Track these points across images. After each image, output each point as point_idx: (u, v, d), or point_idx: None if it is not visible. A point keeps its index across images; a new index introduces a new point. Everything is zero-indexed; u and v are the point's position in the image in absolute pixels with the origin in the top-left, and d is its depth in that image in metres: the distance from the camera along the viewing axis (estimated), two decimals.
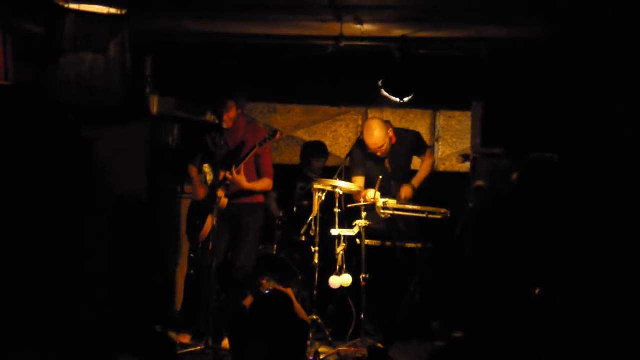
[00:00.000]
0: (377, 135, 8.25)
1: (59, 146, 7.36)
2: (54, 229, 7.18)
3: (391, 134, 8.37)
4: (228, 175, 7.67)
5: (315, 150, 9.42)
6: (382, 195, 8.05)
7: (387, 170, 8.40)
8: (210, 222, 7.80)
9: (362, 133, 8.40)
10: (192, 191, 8.28)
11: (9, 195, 6.92)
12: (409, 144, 8.56)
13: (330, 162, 9.58)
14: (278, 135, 7.80)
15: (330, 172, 8.48)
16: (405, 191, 8.41)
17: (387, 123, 8.46)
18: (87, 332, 7.00)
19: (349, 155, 8.56)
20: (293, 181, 9.33)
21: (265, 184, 8.04)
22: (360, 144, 8.44)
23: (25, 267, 6.96)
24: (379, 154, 8.33)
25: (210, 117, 9.16)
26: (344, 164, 8.48)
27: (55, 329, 6.89)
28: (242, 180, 7.76)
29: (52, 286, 7.08)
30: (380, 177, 7.97)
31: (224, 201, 7.77)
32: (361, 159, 8.46)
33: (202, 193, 8.05)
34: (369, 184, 8.28)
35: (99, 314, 7.36)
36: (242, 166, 7.72)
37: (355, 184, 8.10)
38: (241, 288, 7.92)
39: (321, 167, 9.36)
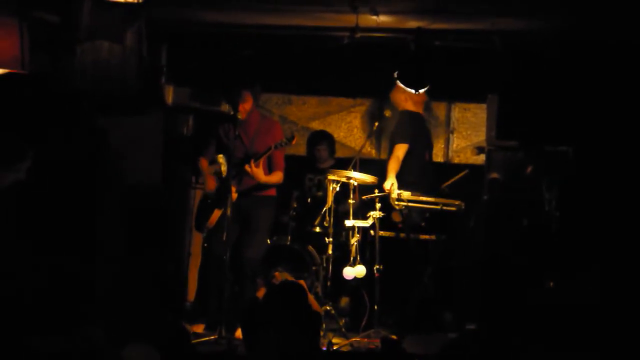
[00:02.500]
0: None
1: (74, 135, 7.37)
2: (68, 217, 7.20)
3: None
4: (247, 168, 7.68)
5: (316, 138, 9.44)
6: (424, 172, 8.19)
7: (431, 140, 8.57)
8: (217, 211, 7.81)
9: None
10: (202, 182, 8.29)
11: (24, 184, 6.94)
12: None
13: (345, 154, 9.57)
14: (295, 141, 7.79)
15: (344, 164, 8.47)
16: None
17: None
18: (101, 321, 7.02)
19: (395, 125, 8.68)
20: (303, 172, 9.33)
21: (278, 177, 8.04)
22: (409, 116, 8.56)
23: (39, 256, 6.98)
24: (421, 107, 8.59)
25: (225, 107, 9.17)
26: (358, 155, 8.48)
27: (69, 317, 6.91)
28: (260, 174, 7.77)
29: (67, 275, 7.10)
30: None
31: (234, 195, 7.78)
32: (409, 126, 8.56)
33: (212, 185, 8.05)
34: (410, 155, 8.34)
35: (112, 303, 7.39)
36: (260, 160, 7.73)
37: (370, 176, 8.08)
38: (251, 279, 7.93)
39: (326, 156, 9.33)
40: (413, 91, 8.26)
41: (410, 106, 8.56)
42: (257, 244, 7.99)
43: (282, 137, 7.93)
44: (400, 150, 8.39)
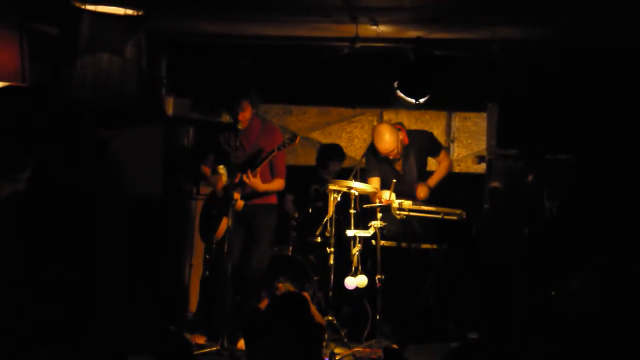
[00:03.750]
0: (387, 140, 8.21)
1: (75, 147, 7.38)
2: (69, 228, 7.20)
3: (402, 136, 8.32)
4: (245, 178, 7.68)
5: (333, 152, 9.43)
6: (397, 197, 8.03)
7: (400, 172, 8.38)
8: (225, 222, 7.80)
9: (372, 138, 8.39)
10: (210, 183, 8.23)
11: (24, 194, 6.95)
12: (421, 144, 8.51)
13: (346, 163, 9.57)
14: (297, 140, 7.78)
15: (345, 174, 8.48)
16: (421, 190, 8.37)
17: (398, 125, 8.44)
18: (103, 332, 7.02)
19: (364, 156, 8.55)
20: (308, 182, 9.33)
21: (278, 184, 8.03)
22: (372, 147, 8.42)
23: (41, 268, 6.98)
24: (390, 157, 8.30)
25: (225, 117, 9.17)
26: (359, 165, 8.48)
27: (71, 328, 6.91)
28: (258, 184, 7.76)
29: (69, 287, 7.10)
30: (394, 180, 7.97)
31: (240, 203, 7.78)
32: (375, 161, 8.44)
33: (220, 183, 8.01)
34: (384, 186, 8.27)
35: (114, 314, 7.38)
36: (258, 170, 7.72)
37: (370, 185, 8.11)
38: (255, 289, 7.93)
39: (337, 170, 9.36)
40: (413, 101, 8.24)
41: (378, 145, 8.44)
42: (261, 253, 7.99)
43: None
44: (373, 183, 8.33)
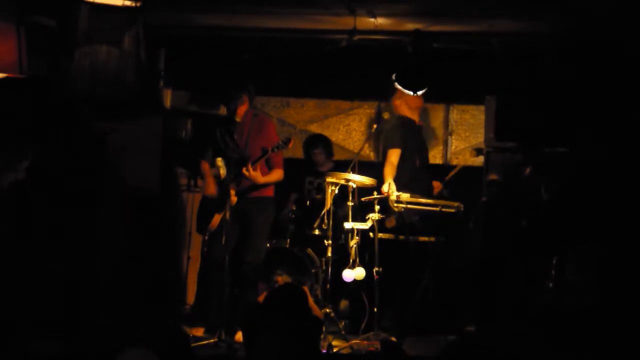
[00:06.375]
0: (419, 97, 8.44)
1: (73, 139, 7.38)
2: (66, 221, 7.20)
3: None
4: (244, 172, 7.67)
5: (314, 141, 9.45)
6: (416, 176, 8.11)
7: (424, 145, 8.57)
8: (217, 215, 7.80)
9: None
10: (202, 186, 8.28)
11: (23, 187, 6.95)
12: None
13: (344, 156, 9.57)
14: (291, 144, 7.76)
15: (343, 166, 8.47)
16: (437, 187, 8.60)
17: None
18: (100, 324, 7.02)
19: (387, 131, 8.62)
20: (302, 176, 9.34)
21: (277, 175, 8.02)
22: (400, 121, 8.49)
23: (38, 260, 6.98)
24: (417, 122, 8.46)
25: (222, 110, 9.17)
26: (357, 157, 8.47)
27: (69, 321, 6.91)
28: (258, 176, 7.76)
29: (66, 279, 7.10)
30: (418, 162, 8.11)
31: (234, 199, 7.77)
32: (401, 133, 8.47)
33: (212, 189, 8.03)
34: (402, 159, 8.32)
35: (111, 306, 7.38)
36: (257, 164, 7.72)
37: (370, 179, 8.09)
38: (253, 282, 7.93)
39: (323, 159, 9.34)
40: (411, 93, 8.27)
41: (404, 112, 8.52)
42: (257, 247, 7.98)
43: (274, 134, 7.94)
44: (393, 155, 8.34)
